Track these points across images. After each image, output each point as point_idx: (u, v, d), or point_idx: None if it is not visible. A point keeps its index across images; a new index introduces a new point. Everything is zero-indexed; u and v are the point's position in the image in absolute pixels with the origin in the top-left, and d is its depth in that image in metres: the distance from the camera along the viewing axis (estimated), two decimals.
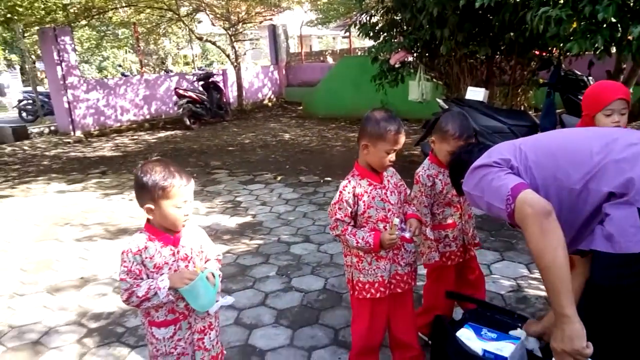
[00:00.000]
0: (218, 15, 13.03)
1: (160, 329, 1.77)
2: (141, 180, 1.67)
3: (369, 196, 2.04)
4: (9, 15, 9.92)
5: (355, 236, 1.99)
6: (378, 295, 2.08)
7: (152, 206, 1.68)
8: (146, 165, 1.70)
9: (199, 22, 14.65)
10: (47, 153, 9.19)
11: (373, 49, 6.33)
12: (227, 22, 13.03)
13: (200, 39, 13.65)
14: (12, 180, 7.07)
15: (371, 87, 6.70)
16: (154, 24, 14.26)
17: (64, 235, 4.65)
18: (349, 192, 2.03)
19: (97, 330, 2.95)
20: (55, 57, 10.43)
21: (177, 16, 12.44)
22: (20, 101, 14.50)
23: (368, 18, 6.75)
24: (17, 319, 3.14)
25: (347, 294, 3.05)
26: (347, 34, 12.17)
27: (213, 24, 13.51)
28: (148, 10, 12.83)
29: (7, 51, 19.07)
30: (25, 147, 9.90)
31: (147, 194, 1.67)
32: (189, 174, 1.79)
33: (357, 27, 6.77)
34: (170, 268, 1.73)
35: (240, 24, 13.27)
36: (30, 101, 13.95)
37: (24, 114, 14.18)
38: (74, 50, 11.08)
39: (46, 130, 11.23)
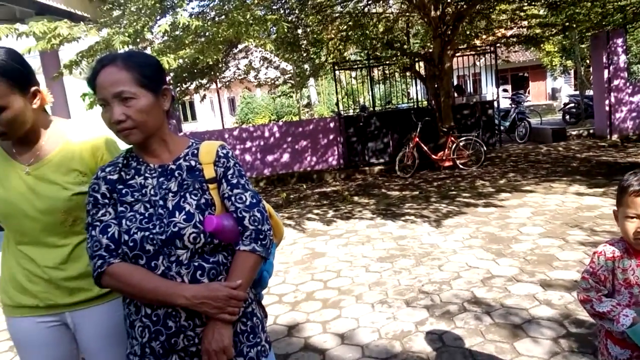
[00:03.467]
0: None
1: (616, 346, 1.62)
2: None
3: None
4: (567, 24, 10.55)
5: None
6: None
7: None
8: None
9: None
10: (578, 155, 9.35)
11: None
12: None
13: None
14: (539, 177, 7.66)
15: None
16: None
17: (571, 236, 4.71)
18: None
19: (575, 336, 2.91)
20: (604, 60, 10.35)
21: None
22: (565, 104, 15.21)
23: None
24: (508, 300, 3.50)
25: None
26: None
27: None
28: None
29: (564, 57, 20.28)
30: (560, 148, 10.41)
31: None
32: None
33: None
34: None
35: None
36: (575, 104, 14.41)
37: (567, 117, 14.81)
38: (625, 52, 10.61)
39: (584, 133, 11.40)
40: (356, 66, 11.41)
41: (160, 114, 1.46)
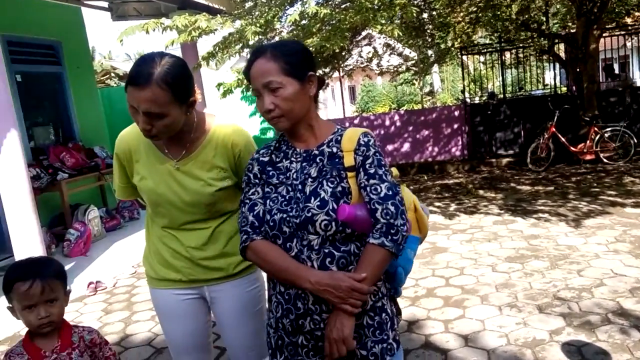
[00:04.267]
0: None
1: None
2: None
3: None
4: None
5: None
6: None
7: None
8: None
9: None
10: None
11: None
12: None
13: None
14: None
15: None
16: None
17: None
18: None
19: None
20: None
21: None
22: None
23: None
24: None
25: None
26: None
27: None
28: None
29: None
30: None
31: None
32: None
33: None
34: None
35: None
36: None
37: None
38: None
39: None
40: (485, 50, 10.75)
41: (306, 101, 1.47)
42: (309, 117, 1.50)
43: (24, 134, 6.08)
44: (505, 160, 9.47)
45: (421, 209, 1.60)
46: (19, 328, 3.58)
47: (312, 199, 1.42)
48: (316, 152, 1.50)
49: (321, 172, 1.46)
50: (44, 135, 6.80)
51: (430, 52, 11.38)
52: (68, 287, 1.68)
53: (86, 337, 1.70)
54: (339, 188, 1.43)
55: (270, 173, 1.53)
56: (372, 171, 1.43)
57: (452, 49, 10.79)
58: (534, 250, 4.52)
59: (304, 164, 1.50)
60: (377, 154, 1.45)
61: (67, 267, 5.07)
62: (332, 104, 25.36)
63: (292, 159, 1.52)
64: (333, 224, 1.39)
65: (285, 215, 1.44)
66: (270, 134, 10.54)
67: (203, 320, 1.92)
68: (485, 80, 11.94)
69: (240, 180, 1.73)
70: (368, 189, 1.41)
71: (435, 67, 17.32)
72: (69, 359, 1.63)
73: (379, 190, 1.40)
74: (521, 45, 10.10)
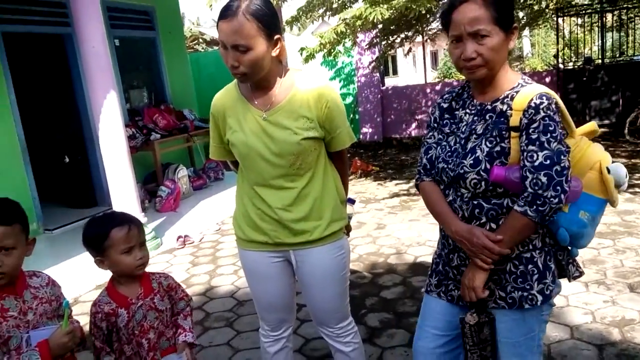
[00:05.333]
0: None
1: None
2: None
3: None
4: None
5: None
6: None
7: None
8: None
9: None
10: None
11: None
12: None
13: None
14: None
15: None
16: None
17: None
18: None
19: None
20: None
21: None
22: None
23: None
24: None
25: None
26: None
27: None
28: None
29: None
30: None
31: None
32: None
33: None
34: None
35: None
36: None
37: None
38: None
39: None
40: (584, 11, 9.90)
41: (506, 52, 1.46)
42: (501, 70, 1.48)
43: (121, 96, 6.51)
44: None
45: (613, 170, 1.51)
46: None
47: (468, 156, 1.46)
48: (489, 107, 1.49)
49: (485, 130, 1.47)
50: (139, 98, 7.24)
51: (521, 14, 10.66)
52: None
53: (164, 282, 1.84)
54: (497, 148, 1.43)
55: (445, 121, 1.60)
56: (534, 136, 1.38)
57: (547, 10, 10.04)
58: (628, 227, 4.24)
59: (475, 117, 1.52)
60: (546, 118, 1.38)
61: (158, 221, 5.49)
62: (412, 69, 24.68)
63: (467, 110, 1.55)
64: (482, 183, 1.44)
65: (445, 166, 1.52)
66: (349, 100, 10.51)
67: (288, 282, 2.00)
68: (582, 45, 11.05)
69: (326, 134, 1.81)
70: (525, 154, 1.39)
71: (526, 31, 16.27)
72: (152, 303, 1.77)
73: (535, 158, 1.37)
74: (625, 5, 9.20)
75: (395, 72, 24.58)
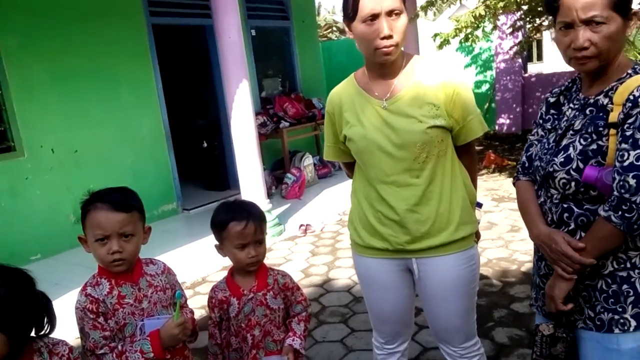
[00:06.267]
0: None
1: None
2: None
3: None
4: None
5: None
6: None
7: None
8: None
9: None
10: None
11: None
12: None
13: None
14: None
15: None
16: None
17: None
18: None
19: None
20: None
21: None
22: None
23: None
24: None
25: None
26: None
27: None
28: None
29: None
30: None
31: None
32: None
33: None
34: None
35: None
36: None
37: None
38: None
39: None
40: None
41: (623, 42, 1.31)
42: (615, 59, 1.31)
43: (255, 85, 6.77)
44: None
45: None
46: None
47: (560, 153, 1.34)
48: (591, 100, 1.34)
49: (582, 126, 1.32)
50: (272, 86, 7.48)
51: None
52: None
53: (280, 280, 1.77)
54: (593, 146, 1.28)
55: (547, 117, 1.48)
56: (628, 133, 1.21)
57: None
58: None
59: (576, 112, 1.37)
60: None
61: (283, 208, 5.61)
62: (559, 55, 22.49)
63: (571, 104, 1.41)
64: (572, 184, 1.30)
65: (538, 164, 1.42)
66: (484, 88, 9.84)
67: (408, 293, 1.81)
68: None
69: (454, 123, 1.62)
70: (617, 153, 1.22)
71: None
72: (264, 299, 1.71)
73: (625, 157, 1.20)
74: None
75: (539, 58, 22.60)
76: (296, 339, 1.72)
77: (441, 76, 1.62)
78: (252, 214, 1.69)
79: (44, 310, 1.34)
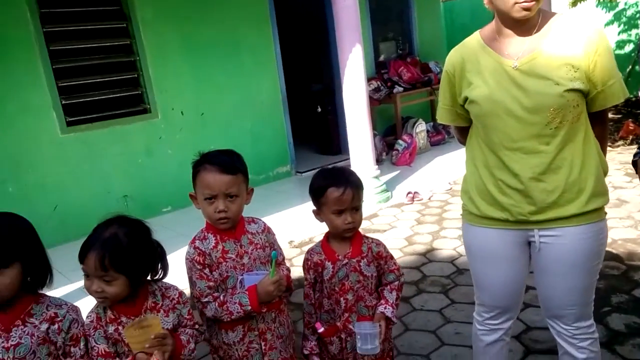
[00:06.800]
0: None
1: None
2: None
3: None
4: None
5: None
6: None
7: None
8: None
9: None
10: None
11: None
12: None
13: None
14: None
15: None
16: None
17: None
18: None
19: None
20: None
21: None
22: None
23: None
24: None
25: None
26: None
27: None
28: None
29: None
30: None
31: None
32: None
33: None
34: None
35: None
36: None
37: None
38: None
39: None
40: None
41: None
42: None
43: (370, 49, 6.70)
44: None
45: None
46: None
47: None
48: None
49: None
50: (389, 50, 7.34)
51: None
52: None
53: (374, 248, 1.79)
54: None
55: None
56: None
57: None
58: None
59: None
60: None
61: (391, 175, 5.59)
62: None
63: None
64: None
65: None
66: (628, 48, 8.71)
67: (522, 267, 1.73)
68: None
69: (592, 87, 1.49)
70: None
71: None
72: (358, 265, 1.76)
73: None
74: None
75: None
76: (388, 307, 1.75)
77: (581, 35, 1.49)
78: (350, 181, 1.72)
79: (158, 258, 1.53)
